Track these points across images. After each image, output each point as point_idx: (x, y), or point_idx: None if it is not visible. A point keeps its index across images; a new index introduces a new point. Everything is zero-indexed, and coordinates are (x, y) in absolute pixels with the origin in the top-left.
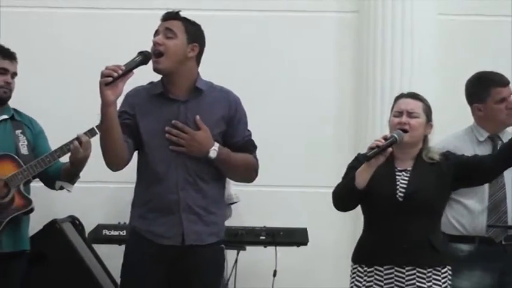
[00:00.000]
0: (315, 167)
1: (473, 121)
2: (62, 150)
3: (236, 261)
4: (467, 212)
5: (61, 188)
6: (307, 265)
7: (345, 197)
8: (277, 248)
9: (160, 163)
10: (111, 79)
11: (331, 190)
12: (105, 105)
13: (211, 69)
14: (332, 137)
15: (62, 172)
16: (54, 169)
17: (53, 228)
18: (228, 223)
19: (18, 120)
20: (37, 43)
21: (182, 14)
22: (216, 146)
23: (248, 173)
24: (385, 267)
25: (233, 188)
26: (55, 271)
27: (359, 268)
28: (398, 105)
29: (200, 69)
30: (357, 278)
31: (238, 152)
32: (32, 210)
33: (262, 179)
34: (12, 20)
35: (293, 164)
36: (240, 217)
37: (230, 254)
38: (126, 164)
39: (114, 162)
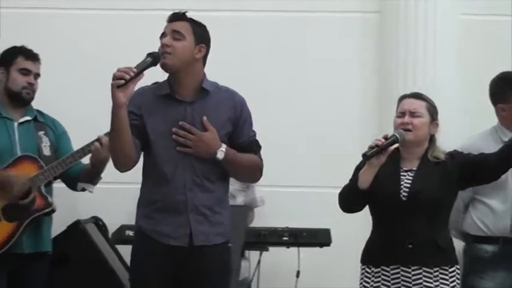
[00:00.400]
0: (338, 167)
1: (497, 121)
2: (83, 151)
3: (259, 261)
4: (490, 212)
5: (83, 189)
6: (330, 266)
7: (349, 198)
8: (300, 248)
9: (167, 164)
10: (123, 81)
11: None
12: (117, 107)
13: (235, 70)
14: (355, 138)
15: (83, 173)
16: (75, 170)
17: (76, 229)
18: (251, 224)
19: (41, 121)
20: (57, 44)
21: (199, 14)
22: (223, 147)
23: (253, 173)
24: (391, 267)
25: (258, 191)
26: (78, 272)
27: (367, 269)
28: (402, 106)
29: (223, 70)
30: (365, 278)
31: (244, 152)
32: (53, 211)
33: (285, 179)
34: (31, 20)
35: (317, 165)
36: (263, 218)
37: (253, 255)
38: (134, 165)
39: (124, 163)
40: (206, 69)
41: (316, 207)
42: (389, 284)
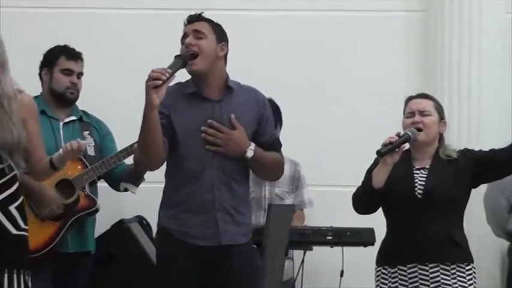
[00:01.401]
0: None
1: None
2: (127, 151)
3: (303, 261)
4: None
5: (125, 189)
6: (374, 265)
7: (363, 198)
8: (344, 248)
9: (195, 162)
10: (160, 82)
11: None
12: (150, 108)
13: (279, 69)
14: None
15: (126, 174)
16: (118, 171)
17: (120, 228)
18: (295, 223)
19: (86, 121)
20: (104, 44)
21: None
22: (252, 145)
23: (277, 171)
24: (408, 266)
25: (307, 193)
26: (123, 271)
27: (383, 270)
28: (410, 106)
29: (267, 69)
30: (382, 280)
31: (266, 150)
32: (96, 210)
33: (329, 179)
34: (79, 21)
35: (360, 164)
36: (307, 217)
37: (297, 254)
38: (163, 163)
39: (155, 163)
40: (245, 69)
41: None
42: (406, 283)
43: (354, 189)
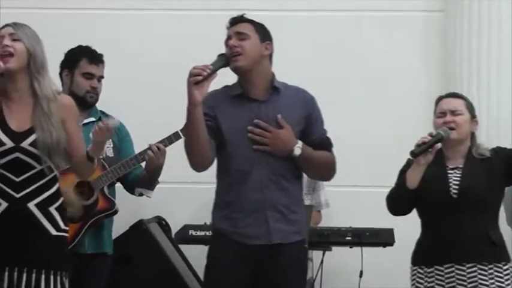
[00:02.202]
0: (400, 167)
1: None
2: (147, 153)
3: (322, 261)
4: None
5: (140, 194)
6: (394, 266)
7: (398, 200)
8: (363, 248)
9: (243, 162)
10: (200, 78)
11: None
12: (193, 105)
13: (298, 70)
14: (419, 137)
15: (140, 179)
16: (132, 176)
17: (139, 228)
18: (319, 225)
19: None
20: (122, 45)
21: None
22: (300, 143)
23: (327, 171)
24: (445, 266)
25: (323, 195)
26: (142, 271)
27: (419, 269)
28: (441, 106)
29: (285, 70)
30: (418, 279)
31: (316, 150)
32: (115, 212)
33: (348, 179)
34: (97, 22)
35: (380, 165)
36: (326, 218)
37: (316, 255)
38: (210, 165)
39: (200, 163)
40: (278, 70)
41: (379, 207)
42: (443, 283)
43: (372, 190)
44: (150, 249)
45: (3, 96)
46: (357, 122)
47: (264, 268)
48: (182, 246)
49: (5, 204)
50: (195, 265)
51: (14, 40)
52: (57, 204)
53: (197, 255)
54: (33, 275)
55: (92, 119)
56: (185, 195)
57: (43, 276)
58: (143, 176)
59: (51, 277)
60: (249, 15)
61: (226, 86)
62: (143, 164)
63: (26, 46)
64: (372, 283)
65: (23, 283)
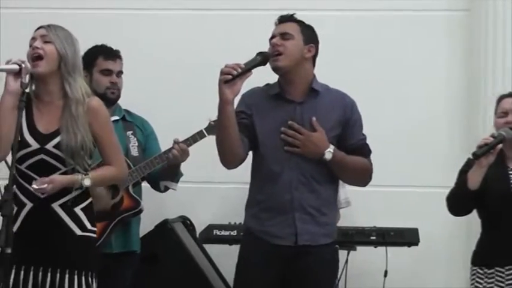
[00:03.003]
0: (426, 166)
1: None
2: (172, 152)
3: (347, 261)
4: None
5: (166, 188)
6: (418, 265)
7: (459, 200)
8: (388, 248)
9: (275, 163)
10: (230, 77)
11: (443, 190)
12: (224, 103)
13: (324, 70)
14: (443, 137)
15: (163, 171)
16: (156, 170)
17: (164, 228)
18: (338, 223)
19: (129, 121)
20: (147, 44)
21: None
22: (331, 147)
23: (362, 177)
24: (506, 267)
25: (343, 193)
26: (166, 271)
27: (479, 270)
28: (502, 106)
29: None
30: (477, 279)
31: (353, 155)
32: (140, 211)
33: (373, 179)
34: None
35: (404, 164)
36: (351, 217)
37: (341, 254)
38: (241, 163)
39: (230, 160)
40: None
41: (404, 207)
42: (503, 284)
43: (395, 189)
44: (175, 249)
45: (35, 98)
46: (380, 122)
47: (291, 269)
48: (206, 246)
49: (30, 205)
50: (219, 264)
51: (46, 42)
52: (83, 205)
53: (221, 255)
54: (58, 275)
55: (116, 117)
56: (210, 194)
57: (67, 276)
58: (165, 168)
59: (75, 277)
60: (275, 15)
61: (268, 84)
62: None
63: (57, 48)
64: (397, 283)
65: (48, 283)
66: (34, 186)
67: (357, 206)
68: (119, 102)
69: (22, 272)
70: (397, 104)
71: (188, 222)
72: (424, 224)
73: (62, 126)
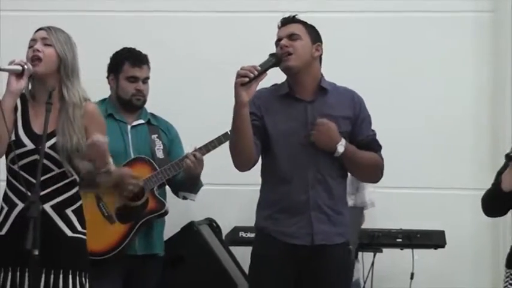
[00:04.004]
0: (452, 168)
1: None
2: (185, 161)
3: (373, 263)
4: None
5: (184, 198)
6: (445, 268)
7: (493, 201)
8: (414, 250)
9: (289, 162)
10: (247, 79)
11: (469, 192)
12: (240, 106)
13: (348, 70)
14: (470, 138)
15: (183, 183)
16: (177, 180)
17: (190, 230)
18: (364, 225)
19: (154, 124)
20: (172, 47)
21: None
22: (343, 141)
23: (374, 172)
24: None
25: (368, 194)
26: (193, 273)
27: None
28: None
29: (336, 70)
30: (510, 281)
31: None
32: (165, 213)
33: (398, 181)
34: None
35: (430, 166)
36: (377, 219)
37: (367, 256)
38: (254, 165)
39: (244, 163)
40: (330, 70)
41: (430, 209)
42: None
43: (421, 191)
44: (201, 251)
45: (32, 100)
46: (405, 122)
47: (307, 268)
48: (232, 248)
49: (21, 205)
50: (245, 266)
51: (46, 45)
52: (74, 206)
53: (247, 257)
54: (52, 276)
55: (141, 121)
56: (236, 196)
57: (61, 277)
58: (184, 180)
59: (70, 277)
60: (300, 17)
61: (275, 85)
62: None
63: (56, 51)
64: (423, 285)
65: (42, 284)
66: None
67: (383, 208)
68: (146, 106)
69: (18, 274)
70: (423, 105)
71: (214, 224)
72: (451, 225)
73: (58, 128)
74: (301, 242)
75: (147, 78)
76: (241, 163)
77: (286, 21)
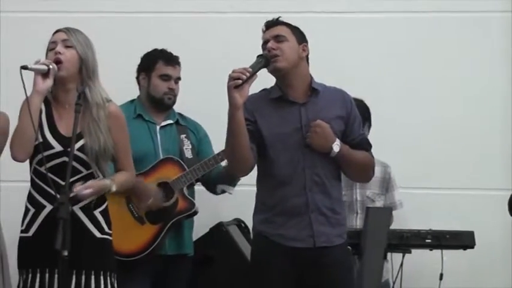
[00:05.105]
0: (482, 168)
1: None
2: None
3: (402, 264)
4: None
5: (222, 191)
6: (474, 268)
7: None
8: (443, 251)
9: (286, 165)
10: (240, 82)
11: (498, 192)
12: (234, 109)
13: (372, 70)
14: (500, 139)
15: (222, 175)
16: (214, 173)
17: (219, 231)
18: (393, 226)
19: (182, 124)
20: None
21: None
22: (338, 141)
23: (366, 170)
24: None
25: (398, 195)
26: (221, 273)
27: None
28: None
29: (359, 70)
30: None
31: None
32: (195, 213)
33: (427, 181)
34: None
35: (460, 166)
36: (406, 220)
37: (396, 257)
38: (251, 170)
39: (242, 168)
40: (335, 70)
41: (460, 210)
42: None
43: (450, 192)
44: (230, 251)
45: (55, 102)
46: (432, 123)
47: (309, 271)
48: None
49: (49, 207)
50: None
51: (67, 47)
52: (101, 208)
53: None
54: (83, 277)
55: (170, 121)
56: None
57: (93, 277)
58: (224, 172)
59: (101, 277)
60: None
61: (265, 89)
62: (223, 162)
63: (78, 53)
64: (452, 286)
65: (73, 285)
66: (75, 190)
67: (412, 209)
68: (174, 106)
69: (47, 275)
70: (449, 106)
71: (243, 224)
72: (480, 226)
73: (84, 129)
74: (302, 245)
75: (179, 78)
76: (239, 168)
77: (271, 24)
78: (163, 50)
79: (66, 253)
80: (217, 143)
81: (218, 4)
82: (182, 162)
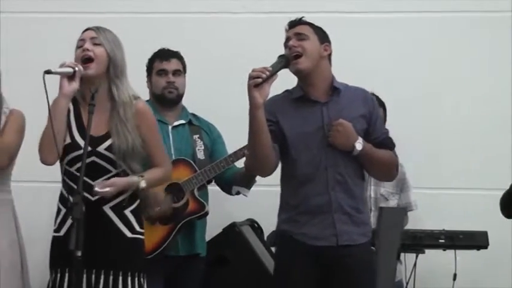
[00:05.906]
0: (495, 169)
1: None
2: (236, 155)
3: (415, 264)
4: None
5: (237, 193)
6: (488, 269)
7: (510, 204)
8: (457, 251)
9: (308, 165)
10: (260, 80)
11: None
12: (254, 108)
13: (387, 70)
14: (508, 139)
15: (238, 177)
16: (229, 174)
17: (232, 231)
18: (406, 226)
19: (196, 125)
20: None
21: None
22: (360, 139)
23: (390, 169)
24: None
25: (413, 195)
26: (234, 273)
27: None
28: None
29: (374, 71)
30: None
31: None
32: (206, 214)
33: (441, 182)
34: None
35: (472, 166)
36: (419, 220)
37: (409, 257)
38: (274, 169)
39: (265, 168)
40: (353, 70)
41: (473, 210)
42: None
43: (464, 192)
44: (243, 252)
45: (83, 101)
46: (446, 123)
47: (332, 270)
48: (274, 249)
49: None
50: None
51: (95, 44)
52: (132, 207)
53: None
54: (111, 277)
55: (182, 121)
56: (276, 197)
57: (120, 278)
58: (241, 173)
59: (129, 278)
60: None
61: (287, 91)
62: (237, 163)
63: (106, 51)
64: (466, 286)
65: (101, 285)
66: (96, 189)
67: (425, 209)
68: (186, 106)
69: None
70: (464, 106)
71: (256, 225)
72: (494, 226)
73: (111, 129)
74: (325, 243)
75: (178, 70)
76: (262, 168)
77: (294, 24)
78: (160, 49)
79: (79, 253)
80: (229, 143)
81: (231, 4)
82: (193, 164)
